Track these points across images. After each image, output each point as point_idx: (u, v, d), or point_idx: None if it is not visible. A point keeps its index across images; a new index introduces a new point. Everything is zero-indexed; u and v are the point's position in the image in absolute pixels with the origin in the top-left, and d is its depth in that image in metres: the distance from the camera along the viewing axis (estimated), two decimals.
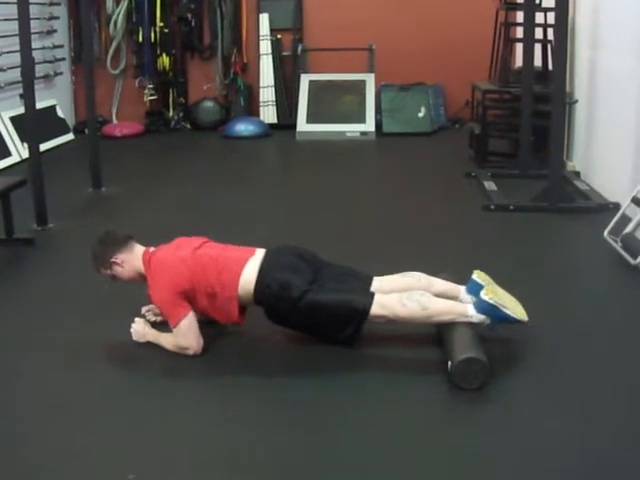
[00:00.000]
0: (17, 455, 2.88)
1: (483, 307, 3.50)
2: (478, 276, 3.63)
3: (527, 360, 3.56)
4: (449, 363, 3.30)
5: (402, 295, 3.55)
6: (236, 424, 3.10)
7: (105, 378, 3.47)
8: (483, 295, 3.51)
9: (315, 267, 3.72)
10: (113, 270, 3.76)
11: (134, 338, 3.75)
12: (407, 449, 2.89)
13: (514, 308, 3.51)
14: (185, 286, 3.58)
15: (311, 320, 3.61)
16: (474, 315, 3.50)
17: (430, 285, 3.71)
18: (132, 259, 3.75)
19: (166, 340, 3.67)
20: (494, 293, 3.52)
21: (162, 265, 3.66)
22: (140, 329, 3.77)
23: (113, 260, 3.73)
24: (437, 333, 3.64)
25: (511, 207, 5.95)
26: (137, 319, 3.82)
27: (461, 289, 3.72)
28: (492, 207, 5.99)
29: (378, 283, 3.73)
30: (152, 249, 3.80)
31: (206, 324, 3.72)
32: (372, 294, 3.56)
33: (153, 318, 3.93)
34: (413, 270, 3.84)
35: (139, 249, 3.80)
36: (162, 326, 3.79)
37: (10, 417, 3.15)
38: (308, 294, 3.53)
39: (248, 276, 3.60)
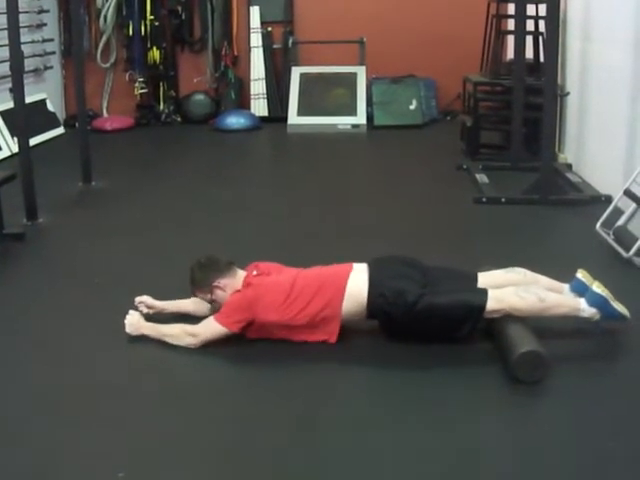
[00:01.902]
0: (6, 455, 2.86)
1: (595, 300, 3.54)
2: (583, 275, 3.68)
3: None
4: (510, 355, 3.29)
5: (518, 288, 3.58)
6: (233, 422, 3.09)
7: (96, 375, 3.45)
8: (596, 288, 3.56)
9: (422, 272, 3.71)
10: (214, 294, 3.74)
11: (127, 330, 3.72)
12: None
13: (618, 304, 3.56)
14: (269, 318, 3.57)
15: (428, 324, 3.57)
16: (586, 309, 3.55)
17: (536, 280, 3.75)
18: (234, 283, 3.73)
19: (170, 328, 3.67)
20: (604, 287, 3.57)
21: (263, 284, 3.66)
22: (135, 321, 3.74)
23: (215, 284, 3.72)
24: (487, 327, 3.63)
25: (503, 200, 5.94)
26: (131, 311, 3.80)
27: (565, 287, 3.77)
28: (484, 200, 5.98)
29: (483, 279, 3.74)
30: (255, 273, 3.79)
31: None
32: (485, 290, 3.56)
33: (145, 310, 3.90)
34: None
35: (241, 273, 3.80)
36: (153, 319, 3.78)
37: (2, 417, 3.13)
38: (423, 298, 3.52)
39: (355, 290, 3.59)
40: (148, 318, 3.82)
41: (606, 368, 3.49)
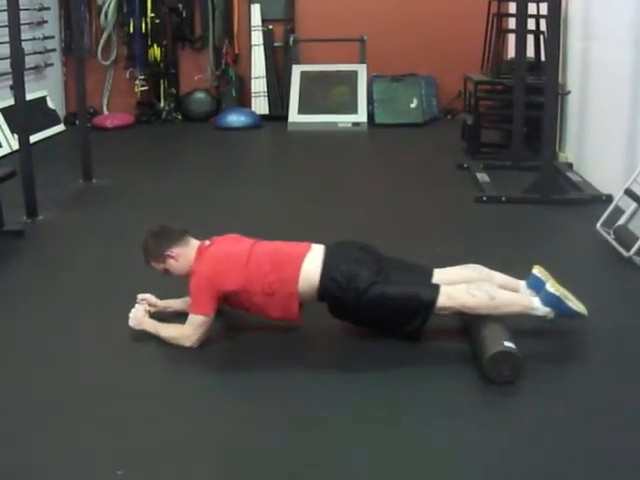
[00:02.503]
0: (6, 455, 2.86)
1: (549, 300, 3.51)
2: (539, 272, 3.64)
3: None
4: (482, 356, 3.28)
5: (470, 285, 3.54)
6: (231, 421, 3.09)
7: (96, 372, 3.44)
8: (549, 287, 3.52)
9: (377, 261, 3.69)
10: (167, 264, 3.72)
11: (130, 324, 3.71)
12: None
13: (575, 301, 3.53)
14: (228, 286, 3.56)
15: (377, 313, 3.55)
16: (540, 308, 3.52)
17: (490, 278, 3.71)
18: (187, 253, 3.72)
19: (165, 329, 3.66)
20: (555, 284, 3.54)
21: (214, 257, 3.64)
22: (140, 315, 3.74)
23: (168, 253, 3.70)
24: (464, 326, 3.63)
25: (503, 199, 5.94)
26: (138, 305, 3.79)
27: (521, 283, 3.74)
28: (484, 199, 5.98)
29: (438, 275, 3.72)
30: (207, 242, 3.77)
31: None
32: (438, 286, 3.54)
33: (147, 308, 3.87)
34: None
35: (194, 243, 3.77)
36: (156, 318, 3.78)
37: (2, 416, 3.13)
38: (375, 286, 3.50)
39: (309, 271, 3.57)
40: (150, 315, 3.81)
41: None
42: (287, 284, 3.56)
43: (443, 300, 3.48)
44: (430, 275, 3.72)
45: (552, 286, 3.53)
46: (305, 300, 3.64)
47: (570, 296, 3.54)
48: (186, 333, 3.58)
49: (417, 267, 3.80)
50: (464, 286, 3.55)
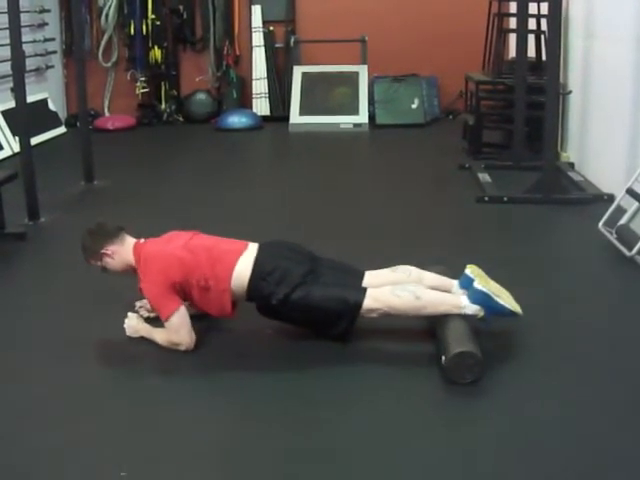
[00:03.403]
0: (6, 455, 2.86)
1: (476, 297, 3.46)
2: (472, 271, 3.59)
3: (522, 353, 3.54)
4: (443, 357, 3.27)
5: (394, 287, 3.53)
6: (231, 421, 3.09)
7: (98, 375, 3.44)
8: (476, 284, 3.47)
9: (308, 262, 3.69)
10: (104, 262, 3.73)
11: (127, 333, 3.72)
12: (400, 444, 2.86)
13: (508, 300, 3.47)
14: (176, 279, 3.55)
15: (303, 314, 3.58)
16: (468, 306, 3.47)
17: (421, 279, 3.68)
18: (123, 251, 3.72)
19: (159, 335, 3.65)
20: (487, 283, 3.49)
21: (153, 257, 3.64)
22: (134, 324, 3.74)
23: (103, 251, 3.71)
24: (430, 327, 3.61)
25: (505, 199, 5.93)
26: (130, 314, 3.79)
27: (454, 283, 3.69)
28: (486, 199, 5.97)
29: (369, 278, 3.71)
30: (142, 240, 3.78)
31: (197, 318, 3.69)
32: (364, 288, 3.54)
33: (146, 314, 3.89)
34: (404, 263, 3.80)
35: (130, 241, 3.77)
36: (155, 321, 3.77)
37: (2, 417, 3.13)
38: (301, 287, 3.51)
39: (242, 270, 3.58)
40: (150, 320, 3.81)
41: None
42: (221, 281, 3.57)
43: (368, 302, 3.48)
44: (361, 278, 3.71)
45: (480, 283, 3.48)
46: (237, 298, 3.65)
47: (504, 294, 3.49)
48: (173, 339, 3.58)
49: (348, 269, 3.79)
50: (389, 287, 3.54)
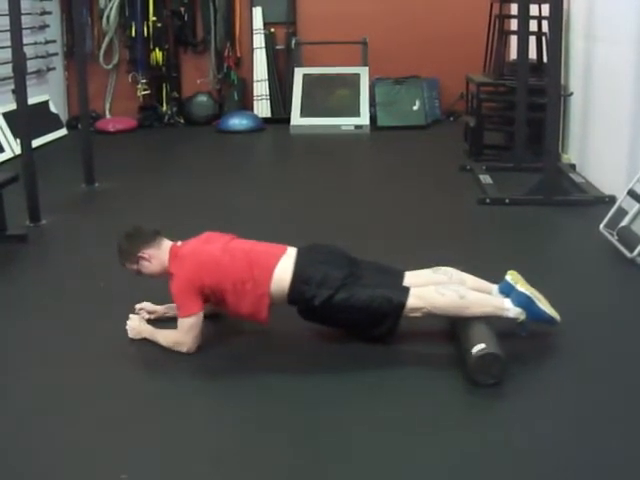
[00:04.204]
0: (9, 455, 2.86)
1: (520, 300, 3.49)
2: (512, 277, 3.61)
3: (524, 354, 3.53)
4: (467, 358, 3.27)
5: (438, 286, 3.54)
6: (235, 424, 3.09)
7: (99, 377, 3.44)
8: (519, 287, 3.51)
9: (348, 264, 3.68)
10: (140, 265, 3.72)
11: (130, 335, 3.72)
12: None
13: (547, 305, 3.51)
14: (206, 281, 3.55)
15: (346, 316, 3.55)
16: (511, 308, 3.50)
17: (462, 281, 3.69)
18: (160, 254, 3.71)
19: (162, 335, 3.65)
20: (529, 287, 3.53)
21: (190, 255, 3.64)
22: (136, 325, 3.74)
23: (141, 255, 3.70)
24: (451, 329, 3.61)
25: (507, 200, 5.93)
26: (132, 316, 3.80)
27: (493, 287, 3.71)
28: (487, 201, 5.97)
29: (410, 278, 3.71)
30: (179, 243, 3.77)
31: (209, 318, 3.69)
32: (407, 288, 3.54)
33: (147, 316, 3.89)
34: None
35: (167, 244, 3.76)
36: (156, 323, 3.78)
37: (2, 416, 3.13)
38: (344, 289, 3.50)
39: (282, 273, 3.56)
40: (150, 322, 3.81)
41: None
42: (259, 284, 3.56)
43: (412, 301, 3.48)
44: (401, 278, 3.72)
45: (522, 286, 3.52)
46: (275, 302, 3.62)
47: (543, 300, 3.52)
48: (179, 339, 3.58)
49: (388, 270, 3.79)
50: (433, 287, 3.55)
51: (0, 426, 3.06)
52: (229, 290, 3.56)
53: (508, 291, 3.58)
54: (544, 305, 3.50)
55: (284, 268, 3.58)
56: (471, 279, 3.74)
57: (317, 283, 3.52)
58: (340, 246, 3.84)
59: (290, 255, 3.65)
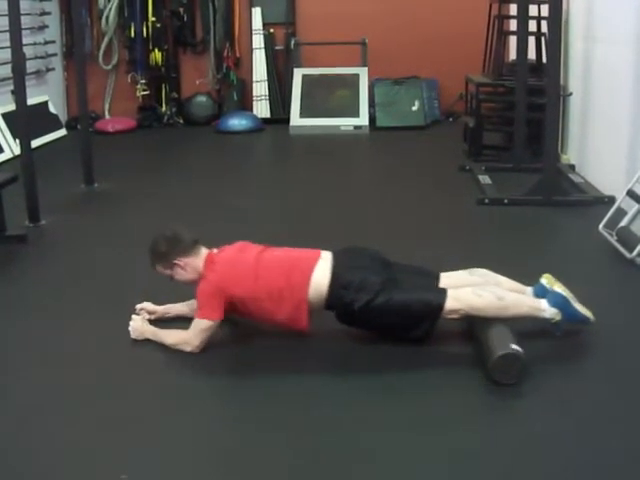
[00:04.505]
0: (9, 455, 2.86)
1: (556, 300, 3.52)
2: (548, 281, 3.64)
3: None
4: (487, 358, 3.27)
5: (475, 287, 3.55)
6: (233, 424, 3.09)
7: (99, 377, 3.44)
8: (557, 288, 3.55)
9: (384, 267, 3.68)
10: (174, 271, 3.70)
11: (132, 336, 3.71)
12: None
13: (581, 306, 3.54)
14: (237, 292, 3.54)
15: (385, 319, 3.54)
16: (547, 309, 3.52)
17: (498, 283, 3.71)
18: (196, 263, 3.68)
19: (167, 334, 3.65)
20: (564, 288, 3.56)
21: (223, 264, 3.63)
22: (138, 326, 3.73)
23: (177, 262, 3.67)
24: (469, 329, 3.62)
25: (506, 201, 5.93)
26: (134, 316, 3.79)
27: (527, 289, 3.73)
28: (486, 201, 5.97)
29: (445, 279, 3.71)
30: (215, 251, 3.75)
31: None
32: (444, 289, 3.54)
33: (147, 316, 3.87)
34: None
35: (204, 252, 3.74)
36: (157, 323, 3.78)
37: (2, 417, 3.13)
38: (383, 292, 3.49)
39: (319, 278, 3.56)
40: (150, 322, 3.81)
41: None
42: (297, 291, 3.54)
43: (450, 303, 3.48)
44: (437, 279, 3.72)
45: (559, 287, 3.56)
46: (313, 308, 3.61)
47: (577, 301, 3.56)
48: (188, 338, 3.57)
49: (424, 272, 3.79)
50: (470, 288, 3.55)
51: (0, 426, 3.06)
52: (265, 299, 3.55)
53: (542, 294, 3.60)
54: (580, 306, 3.54)
55: (321, 273, 3.57)
56: (506, 281, 3.76)
57: (356, 288, 3.51)
58: (376, 249, 3.84)
59: (325, 259, 3.64)
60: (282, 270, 3.58)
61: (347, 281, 3.53)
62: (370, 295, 3.48)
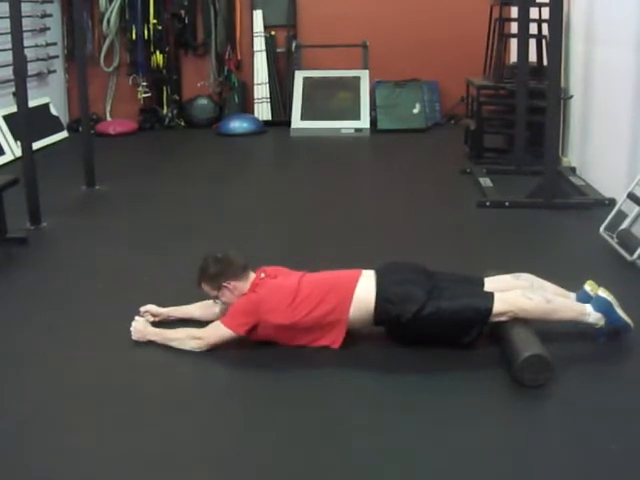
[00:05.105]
0: (9, 455, 2.86)
1: (601, 305, 3.55)
2: (591, 289, 3.66)
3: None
4: (514, 359, 3.27)
5: (524, 290, 3.58)
6: (234, 425, 3.09)
7: (101, 378, 3.43)
8: (601, 292, 3.57)
9: (428, 277, 3.68)
10: (221, 293, 3.72)
11: (134, 337, 3.70)
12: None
13: (623, 312, 3.57)
14: (275, 320, 3.54)
15: (435, 329, 3.55)
16: (592, 313, 3.55)
17: (542, 287, 3.72)
18: (243, 287, 3.70)
19: (174, 332, 3.66)
20: (609, 293, 3.59)
21: (270, 287, 3.64)
22: (141, 328, 3.72)
23: (225, 285, 3.69)
24: (493, 331, 3.62)
25: (506, 203, 5.93)
26: (138, 317, 3.79)
27: (571, 295, 3.75)
28: (487, 204, 5.97)
29: (490, 284, 3.72)
30: (263, 275, 3.76)
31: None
32: (492, 293, 3.55)
33: (151, 319, 3.87)
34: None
35: (252, 275, 3.76)
36: (160, 325, 3.78)
37: (4, 419, 3.13)
38: (430, 303, 3.50)
39: (363, 296, 3.57)
40: (154, 324, 3.81)
41: (608, 372, 3.47)
42: (337, 312, 3.56)
43: (499, 306, 3.50)
44: (482, 285, 3.73)
45: (604, 292, 3.59)
46: (358, 326, 3.63)
47: (619, 307, 3.59)
48: (203, 335, 3.58)
49: (468, 278, 3.80)
50: (519, 290, 3.59)
51: (1, 428, 3.06)
52: (300, 329, 3.56)
53: (585, 300, 3.63)
54: (622, 312, 3.57)
55: (364, 290, 3.58)
56: (551, 286, 3.77)
57: (402, 301, 3.52)
58: (418, 261, 3.84)
59: (367, 276, 3.65)
60: (322, 292, 3.58)
61: (393, 295, 3.54)
62: (417, 306, 3.49)
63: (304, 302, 3.56)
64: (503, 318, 3.52)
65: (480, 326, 3.55)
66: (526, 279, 3.77)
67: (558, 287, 3.80)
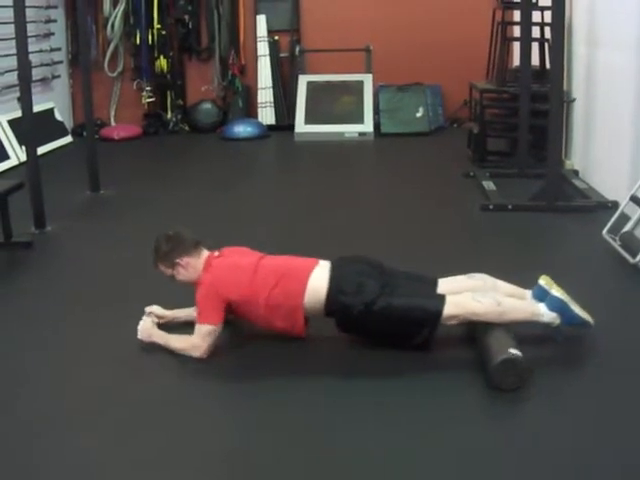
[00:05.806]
0: (10, 456, 2.88)
1: (554, 304, 3.52)
2: (546, 282, 3.63)
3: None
4: (489, 363, 3.28)
5: (474, 293, 3.56)
6: (235, 427, 3.11)
7: (105, 381, 3.45)
8: (554, 292, 3.54)
9: (382, 273, 3.69)
10: (175, 271, 3.74)
11: (139, 336, 3.73)
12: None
13: (579, 309, 3.54)
14: (233, 296, 3.58)
15: (384, 325, 3.56)
16: (546, 313, 3.53)
17: (496, 287, 3.71)
18: (197, 263, 3.73)
19: (175, 339, 3.67)
20: (563, 292, 3.55)
21: (222, 268, 3.67)
22: (148, 327, 3.75)
23: (178, 261, 3.71)
24: (469, 334, 3.63)
25: (510, 207, 5.94)
26: (145, 318, 3.80)
27: (527, 292, 3.73)
28: (491, 207, 5.98)
29: (444, 285, 3.72)
30: (216, 253, 3.79)
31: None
32: (443, 296, 3.55)
33: (156, 320, 3.88)
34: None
35: (205, 253, 3.78)
36: (165, 328, 3.79)
37: (8, 422, 3.14)
38: (381, 298, 3.51)
39: (316, 285, 3.58)
40: (159, 327, 3.82)
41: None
42: (292, 297, 3.58)
43: (450, 309, 3.48)
44: (435, 285, 3.72)
45: (557, 291, 3.55)
46: (311, 314, 3.65)
47: (574, 303, 3.55)
48: (195, 343, 3.59)
49: (422, 278, 3.79)
50: (469, 293, 3.56)
51: (2, 429, 3.07)
52: (261, 305, 3.58)
53: (542, 296, 3.60)
54: (578, 309, 3.54)
55: (318, 279, 3.59)
56: (504, 285, 3.77)
57: (354, 293, 3.53)
58: (373, 256, 3.85)
59: (323, 266, 3.67)
60: (279, 277, 3.60)
61: (345, 287, 3.55)
62: (368, 300, 3.50)
63: (260, 283, 3.59)
64: (454, 322, 3.52)
65: (430, 328, 3.53)
66: (479, 279, 3.76)
67: (513, 286, 3.78)
